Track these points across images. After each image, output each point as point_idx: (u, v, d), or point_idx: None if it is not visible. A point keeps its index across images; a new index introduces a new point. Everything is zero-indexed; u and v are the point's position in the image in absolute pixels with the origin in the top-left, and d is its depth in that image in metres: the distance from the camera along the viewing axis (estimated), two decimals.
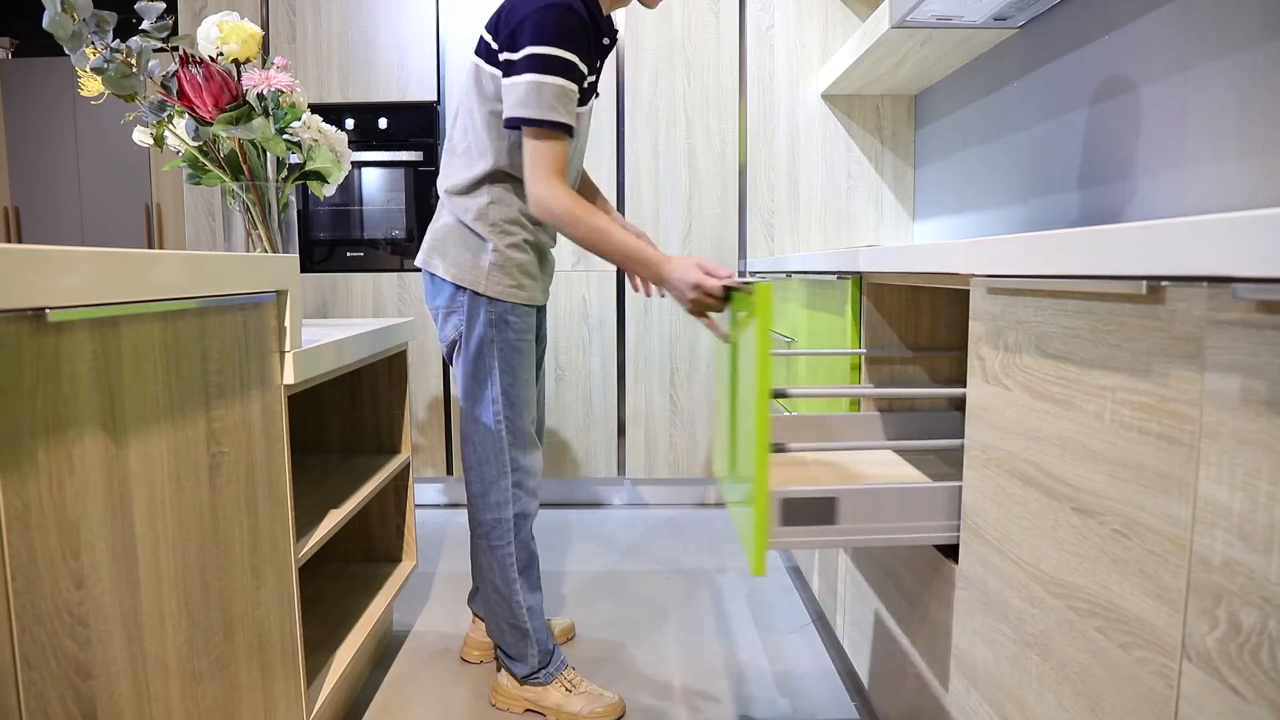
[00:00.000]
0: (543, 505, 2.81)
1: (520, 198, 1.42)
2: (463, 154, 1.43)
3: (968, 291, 1.40)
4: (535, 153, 1.30)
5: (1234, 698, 0.53)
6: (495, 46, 1.34)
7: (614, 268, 2.69)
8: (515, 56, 1.29)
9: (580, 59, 1.30)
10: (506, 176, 1.41)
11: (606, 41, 1.41)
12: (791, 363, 1.99)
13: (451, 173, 1.44)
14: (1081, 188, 1.68)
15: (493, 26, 1.35)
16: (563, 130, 1.29)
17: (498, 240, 1.40)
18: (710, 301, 1.22)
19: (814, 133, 2.69)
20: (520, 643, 1.48)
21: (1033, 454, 0.79)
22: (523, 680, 1.49)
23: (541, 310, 1.62)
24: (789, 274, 1.96)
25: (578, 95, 1.32)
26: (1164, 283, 0.59)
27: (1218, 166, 1.28)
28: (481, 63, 1.37)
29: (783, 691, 1.56)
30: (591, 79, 1.40)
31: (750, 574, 0.93)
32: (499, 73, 1.34)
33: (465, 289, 1.41)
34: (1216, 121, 1.28)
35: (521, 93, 1.28)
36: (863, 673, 1.37)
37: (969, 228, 2.27)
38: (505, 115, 1.31)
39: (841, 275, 1.22)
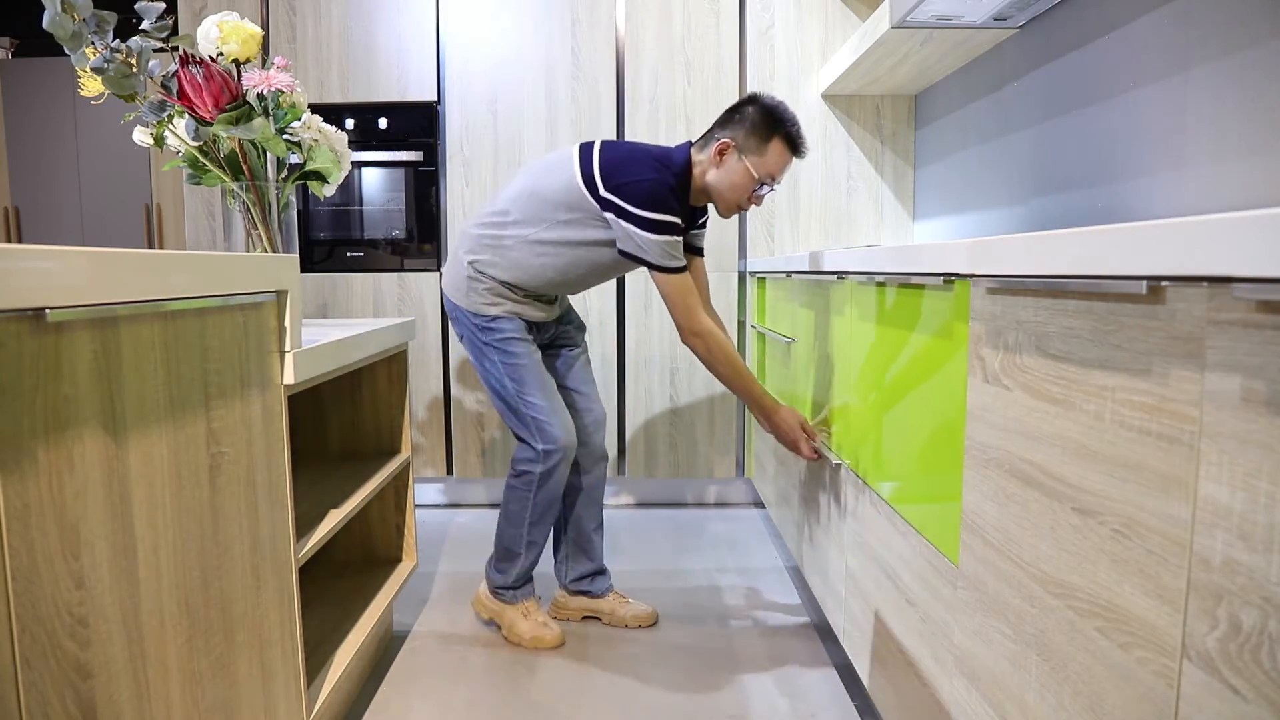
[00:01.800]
0: None
1: (512, 275, 1.70)
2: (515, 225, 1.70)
3: None
4: (675, 290, 1.62)
5: (1234, 698, 0.53)
6: (596, 179, 1.62)
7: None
8: (627, 208, 1.59)
9: (680, 218, 1.61)
10: (519, 256, 1.69)
11: (684, 225, 1.68)
12: (792, 362, 1.99)
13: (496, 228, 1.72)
14: (1081, 188, 1.68)
15: (591, 158, 1.64)
16: (681, 270, 1.63)
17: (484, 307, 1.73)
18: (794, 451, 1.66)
19: (814, 133, 2.69)
20: (506, 561, 1.78)
21: (1033, 454, 0.79)
22: (494, 590, 1.79)
23: (543, 326, 1.82)
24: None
25: (681, 239, 1.63)
26: (1164, 283, 0.59)
27: (1218, 166, 1.28)
28: (578, 175, 1.63)
29: (783, 691, 1.56)
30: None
31: (955, 562, 0.98)
32: (589, 195, 1.62)
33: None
34: (1216, 121, 1.28)
35: (650, 245, 1.59)
36: (863, 673, 1.37)
37: (969, 228, 2.27)
38: (625, 250, 1.63)
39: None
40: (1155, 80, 1.42)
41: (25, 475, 0.63)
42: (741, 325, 2.72)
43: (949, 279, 0.99)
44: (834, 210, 2.71)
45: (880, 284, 1.27)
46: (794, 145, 1.63)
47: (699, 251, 1.85)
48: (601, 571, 1.91)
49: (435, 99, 2.65)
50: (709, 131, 1.68)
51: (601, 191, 1.61)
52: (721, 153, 1.63)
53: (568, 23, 2.63)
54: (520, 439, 1.73)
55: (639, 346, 2.71)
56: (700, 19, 2.63)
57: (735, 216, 2.67)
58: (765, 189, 1.65)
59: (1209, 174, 1.30)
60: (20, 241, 3.64)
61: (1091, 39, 1.62)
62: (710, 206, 1.85)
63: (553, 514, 1.77)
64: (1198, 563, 0.56)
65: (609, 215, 1.61)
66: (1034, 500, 0.79)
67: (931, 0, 1.77)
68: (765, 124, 1.61)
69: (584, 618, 1.90)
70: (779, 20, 2.64)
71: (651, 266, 1.62)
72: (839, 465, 1.47)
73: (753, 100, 1.64)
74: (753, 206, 1.69)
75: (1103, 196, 1.60)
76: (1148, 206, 1.46)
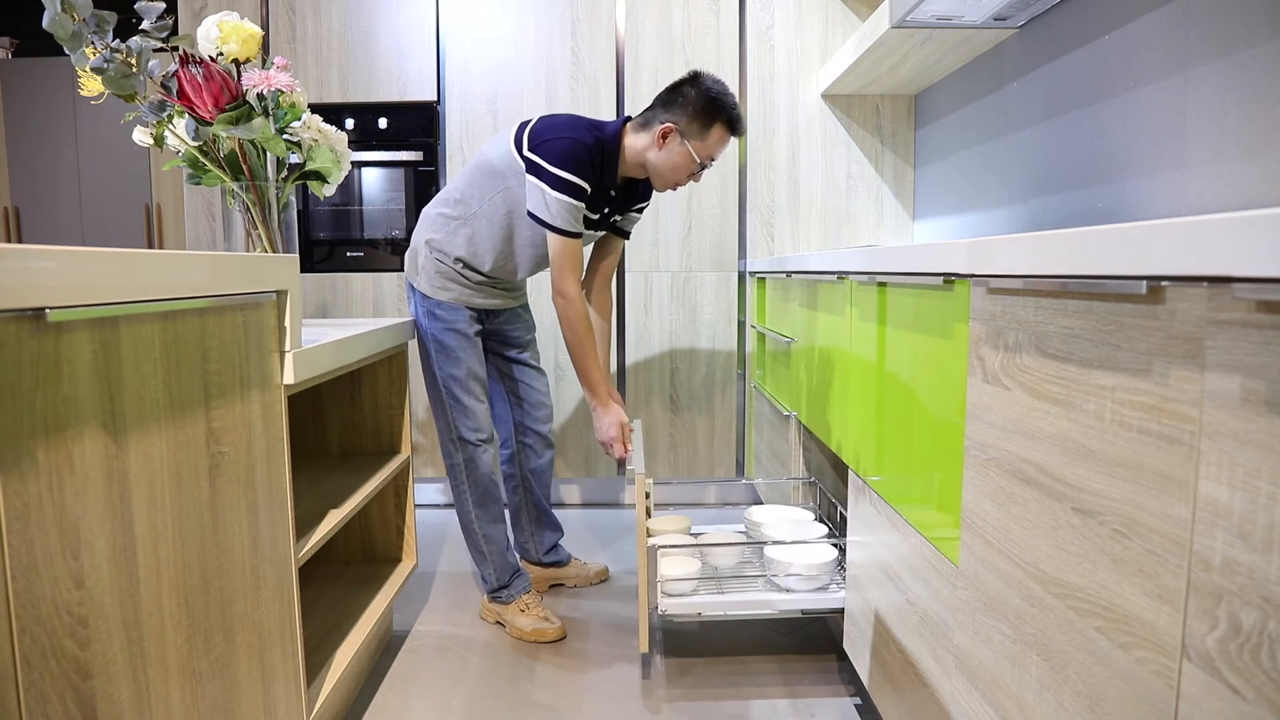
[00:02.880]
0: None
1: (466, 250, 1.76)
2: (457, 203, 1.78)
3: None
4: (561, 253, 1.66)
5: (1234, 698, 0.53)
6: (524, 141, 1.68)
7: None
8: (541, 164, 1.63)
9: (588, 184, 1.64)
10: (473, 244, 1.76)
11: (614, 193, 1.76)
12: (792, 362, 1.99)
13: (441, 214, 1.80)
14: (1081, 188, 1.68)
15: (525, 126, 1.70)
16: (575, 236, 1.66)
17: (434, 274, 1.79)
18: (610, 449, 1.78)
19: (814, 133, 2.69)
20: (481, 564, 1.86)
21: (1033, 454, 0.79)
22: (490, 596, 1.87)
23: (494, 313, 1.90)
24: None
25: (584, 207, 1.66)
26: (1164, 283, 0.59)
27: (1218, 166, 1.28)
28: (511, 142, 1.70)
29: (782, 692, 1.56)
30: (593, 218, 1.75)
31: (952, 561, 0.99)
32: (518, 157, 1.68)
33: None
34: (1216, 121, 1.28)
35: (552, 203, 1.63)
36: (863, 672, 1.37)
37: (969, 228, 2.27)
38: (529, 209, 1.67)
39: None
40: (1155, 80, 1.42)
41: (25, 475, 0.63)
42: (741, 325, 2.72)
43: (949, 279, 0.99)
44: (834, 210, 2.71)
45: (880, 284, 1.27)
46: (734, 129, 1.69)
47: (624, 234, 1.93)
48: (560, 533, 2.11)
49: (435, 99, 2.65)
50: (651, 109, 1.70)
51: (525, 150, 1.67)
52: (664, 135, 1.66)
53: (568, 23, 2.63)
54: (440, 426, 1.81)
55: (639, 347, 2.71)
56: (700, 19, 2.63)
57: (735, 218, 2.69)
58: (703, 169, 1.72)
59: (1209, 174, 1.30)
60: (20, 241, 3.64)
61: (1091, 39, 1.62)
62: (655, 196, 1.97)
63: (494, 501, 1.83)
64: (1198, 563, 0.56)
65: (528, 175, 1.65)
66: (1034, 500, 0.79)
67: (931, 0, 1.77)
68: (708, 109, 1.65)
69: (550, 586, 2.09)
70: (779, 20, 2.64)
71: (548, 226, 1.65)
72: (633, 469, 1.58)
73: (694, 81, 1.66)
74: (690, 183, 1.75)
75: (1103, 196, 1.60)
76: (1148, 206, 1.46)
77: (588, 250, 2.16)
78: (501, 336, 1.93)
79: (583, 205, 1.65)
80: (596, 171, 1.66)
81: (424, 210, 1.84)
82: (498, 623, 1.87)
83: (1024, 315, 0.81)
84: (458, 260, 1.76)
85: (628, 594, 2.04)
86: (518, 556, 1.92)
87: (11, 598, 0.61)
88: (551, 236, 1.66)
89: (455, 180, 1.80)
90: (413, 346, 2.71)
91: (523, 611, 1.82)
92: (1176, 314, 0.58)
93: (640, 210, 1.90)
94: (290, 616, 1.15)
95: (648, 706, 1.51)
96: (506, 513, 2.00)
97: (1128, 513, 0.64)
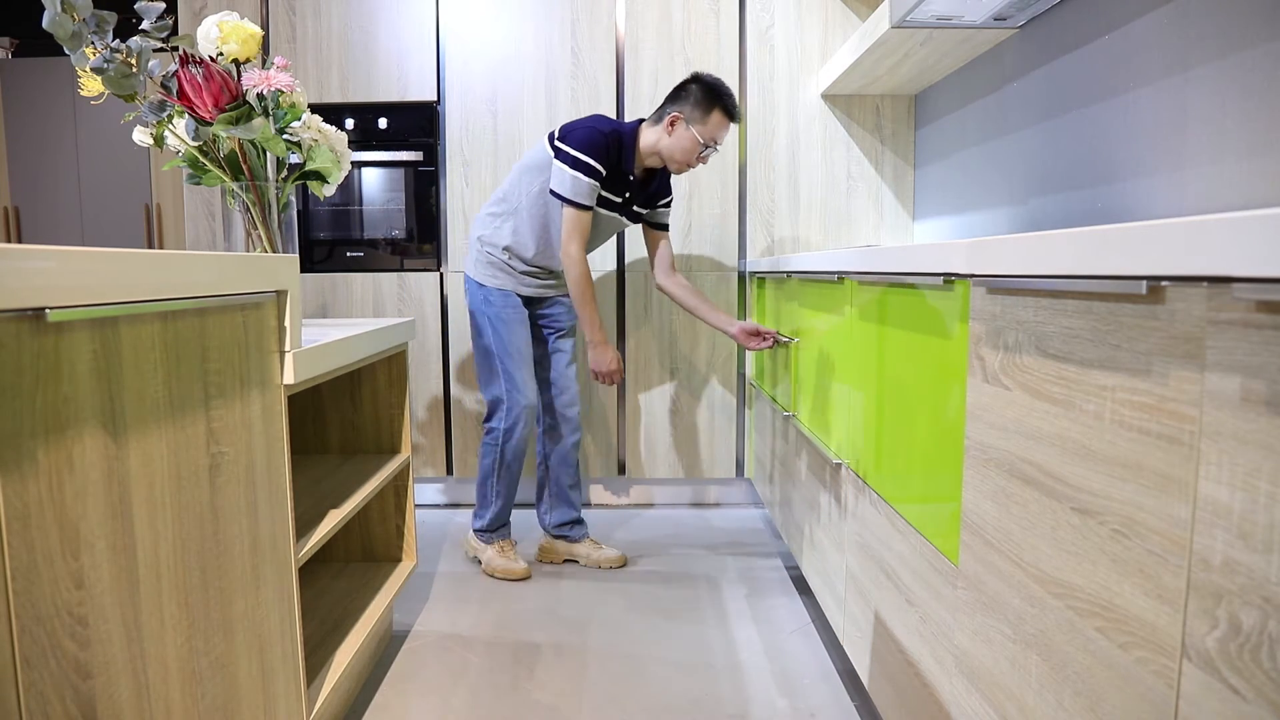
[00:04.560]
0: None
1: (512, 240, 2.10)
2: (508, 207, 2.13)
3: None
4: (569, 222, 2.00)
5: (1234, 698, 0.53)
6: (555, 135, 2.03)
7: (613, 268, 2.71)
8: (564, 148, 1.98)
9: (603, 166, 1.98)
10: (518, 228, 2.10)
11: (633, 178, 2.08)
12: (792, 362, 1.99)
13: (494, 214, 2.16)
14: (1081, 188, 1.68)
15: (557, 127, 2.06)
16: (584, 209, 2.00)
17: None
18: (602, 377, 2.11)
19: (814, 133, 2.69)
20: (482, 506, 2.17)
21: (1033, 454, 0.79)
22: (475, 531, 2.18)
23: (537, 300, 2.20)
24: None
25: (598, 186, 2.00)
26: (1164, 283, 0.59)
27: (1218, 166, 1.28)
28: (546, 140, 2.05)
29: (783, 691, 1.56)
30: (616, 200, 2.08)
31: (953, 562, 0.98)
32: (550, 150, 2.03)
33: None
34: (1216, 121, 1.28)
35: (567, 178, 1.98)
36: (863, 673, 1.37)
37: (969, 228, 2.27)
38: (551, 187, 2.01)
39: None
40: (1155, 80, 1.42)
41: (25, 475, 0.63)
42: None
43: (949, 279, 0.99)
44: (834, 210, 2.71)
45: (880, 284, 1.27)
46: (731, 114, 2.01)
47: (663, 228, 2.23)
48: (579, 521, 2.28)
49: (435, 99, 2.65)
50: (661, 108, 2.04)
51: (554, 141, 2.02)
52: (672, 124, 2.00)
53: (568, 23, 2.63)
54: (489, 395, 2.10)
55: (639, 347, 2.71)
56: (700, 19, 2.63)
57: (735, 218, 2.69)
58: (709, 150, 2.02)
59: (1209, 174, 1.30)
60: (20, 241, 3.64)
61: (1091, 39, 1.62)
62: (674, 191, 2.48)
63: (517, 468, 2.13)
64: (1198, 563, 0.56)
65: (555, 160, 1.99)
66: (1034, 500, 0.79)
67: (931, 0, 1.77)
68: (707, 99, 1.99)
69: (564, 560, 2.27)
70: (779, 20, 2.64)
71: (562, 198, 1.98)
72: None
73: (695, 80, 2.01)
74: (700, 165, 2.14)
75: (1103, 196, 1.60)
76: (1148, 206, 1.46)
77: (635, 237, 2.66)
78: (542, 322, 2.21)
79: (597, 184, 1.98)
80: (612, 156, 1.99)
81: (476, 215, 2.19)
82: (475, 559, 2.17)
83: (1024, 315, 0.81)
84: (505, 250, 2.09)
85: (633, 593, 2.04)
86: (511, 521, 2.22)
87: (11, 598, 0.61)
88: (565, 208, 1.98)
89: (500, 186, 2.16)
90: (414, 346, 2.72)
91: (500, 553, 2.13)
92: (1176, 314, 0.58)
93: (666, 205, 2.19)
94: (290, 616, 1.15)
95: (648, 705, 1.51)
96: (520, 481, 2.31)
97: (1128, 513, 0.64)
